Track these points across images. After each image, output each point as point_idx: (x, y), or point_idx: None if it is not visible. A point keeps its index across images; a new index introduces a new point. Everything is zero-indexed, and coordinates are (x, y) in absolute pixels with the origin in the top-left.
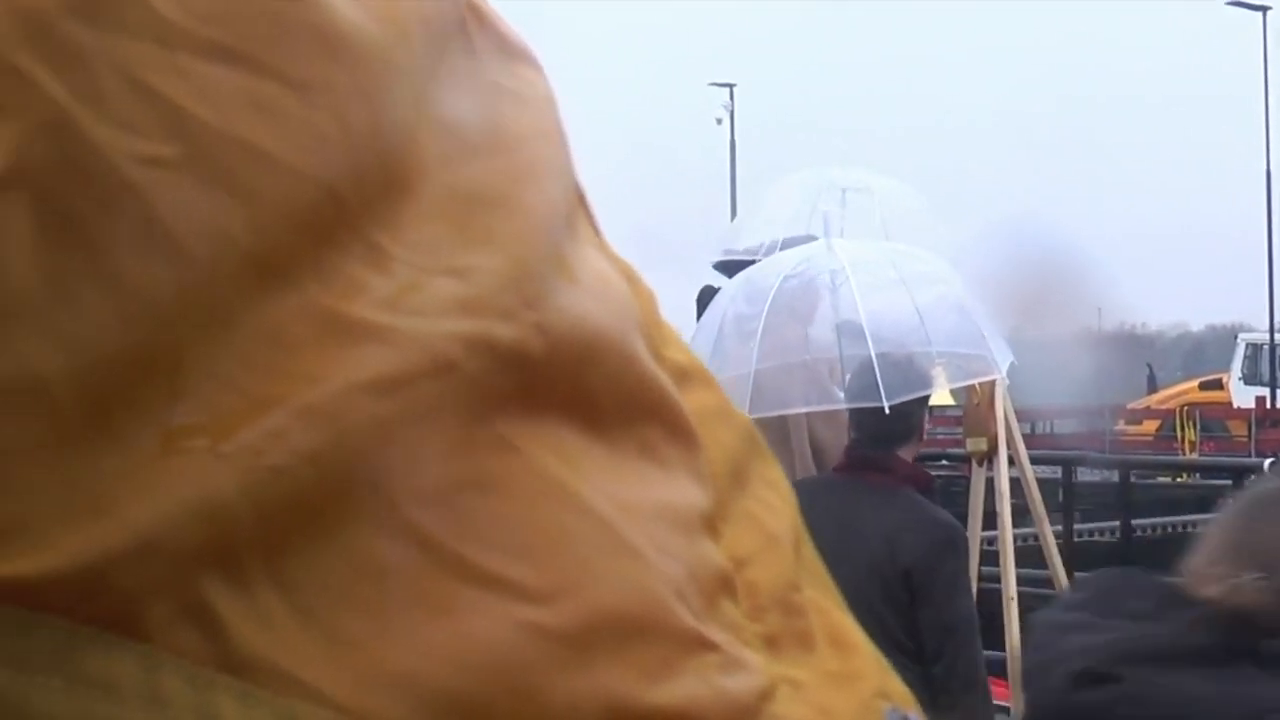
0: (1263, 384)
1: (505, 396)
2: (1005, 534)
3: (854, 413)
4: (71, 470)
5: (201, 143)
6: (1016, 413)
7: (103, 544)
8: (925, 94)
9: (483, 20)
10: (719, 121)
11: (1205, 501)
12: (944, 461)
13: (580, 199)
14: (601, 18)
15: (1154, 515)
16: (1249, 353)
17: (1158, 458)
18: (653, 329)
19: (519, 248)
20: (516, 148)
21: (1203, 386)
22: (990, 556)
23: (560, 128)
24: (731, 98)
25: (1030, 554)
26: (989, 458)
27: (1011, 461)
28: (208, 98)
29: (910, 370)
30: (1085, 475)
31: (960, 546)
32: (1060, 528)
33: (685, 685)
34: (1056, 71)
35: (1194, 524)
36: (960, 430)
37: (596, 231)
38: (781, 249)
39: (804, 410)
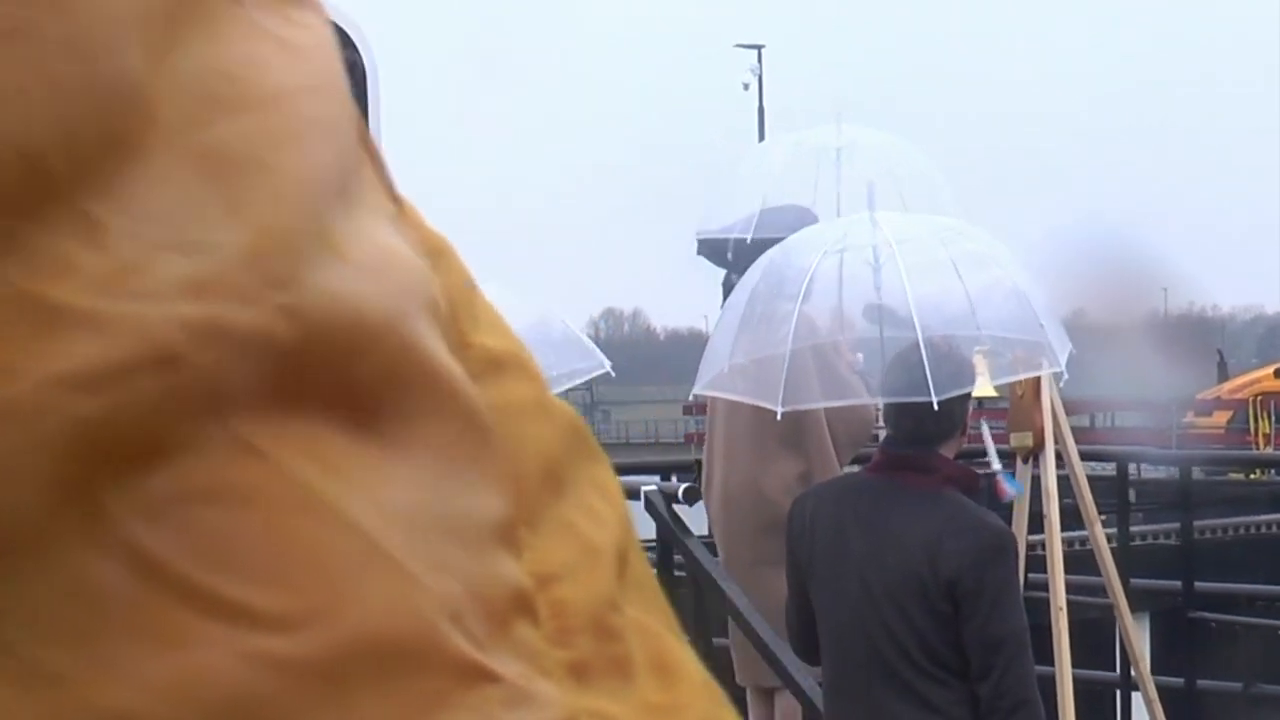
0: None
1: (247, 392)
2: (1053, 538)
3: (888, 407)
4: None
5: None
6: (1073, 405)
7: None
8: (975, 73)
9: None
10: (746, 87)
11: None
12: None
13: (371, 162)
14: None
15: (1221, 515)
16: None
17: (1223, 452)
18: (460, 311)
19: (268, 219)
20: (277, 103)
21: (1278, 374)
22: (1038, 563)
23: (339, 80)
24: (759, 60)
25: (1083, 559)
26: (1035, 454)
27: (1060, 458)
28: None
29: (963, 363)
30: (1151, 472)
31: (1010, 553)
32: (1116, 530)
33: None
34: (1126, 53)
35: (1265, 525)
36: (1004, 425)
37: (394, 199)
38: (758, 225)
39: (822, 405)
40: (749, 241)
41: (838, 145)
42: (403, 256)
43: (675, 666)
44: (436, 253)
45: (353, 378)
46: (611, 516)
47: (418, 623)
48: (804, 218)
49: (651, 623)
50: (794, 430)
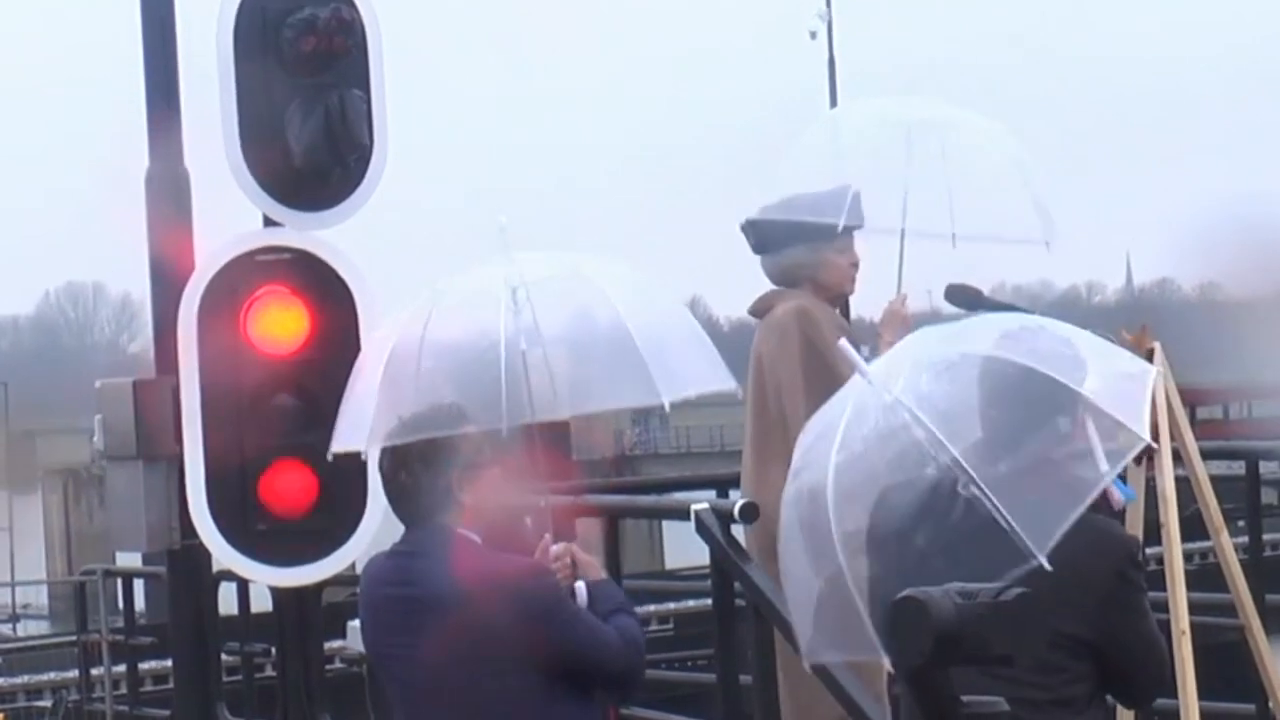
0: None
1: None
2: (1172, 549)
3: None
4: None
5: None
6: (1202, 394)
7: None
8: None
9: None
10: (813, 36)
11: None
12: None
13: None
14: None
15: None
16: None
17: None
18: None
19: None
20: None
21: None
22: (1156, 580)
23: None
24: (828, 5)
25: (1208, 575)
26: (1148, 454)
27: (1178, 458)
28: None
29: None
30: None
31: (1138, 562)
32: (1246, 539)
33: None
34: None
35: None
36: None
37: None
38: (778, 206)
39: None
40: (752, 224)
41: (909, 122)
42: None
43: None
44: None
45: None
46: None
47: None
48: (822, 201)
49: None
50: (786, 429)
